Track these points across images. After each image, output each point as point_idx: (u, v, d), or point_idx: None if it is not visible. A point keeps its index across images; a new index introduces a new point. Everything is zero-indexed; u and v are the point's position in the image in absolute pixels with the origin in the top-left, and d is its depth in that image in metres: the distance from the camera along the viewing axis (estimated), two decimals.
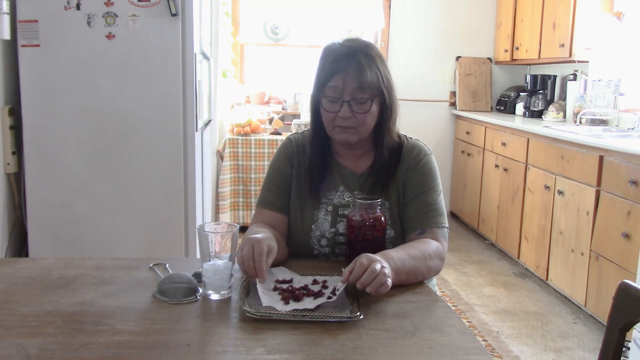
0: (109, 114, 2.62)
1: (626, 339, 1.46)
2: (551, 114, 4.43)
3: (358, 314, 1.13)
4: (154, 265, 1.42)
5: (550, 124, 4.06)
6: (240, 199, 4.63)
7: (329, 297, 1.20)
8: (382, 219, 1.44)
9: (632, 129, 3.62)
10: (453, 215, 5.31)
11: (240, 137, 4.58)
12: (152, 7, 2.56)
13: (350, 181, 1.58)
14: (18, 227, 2.68)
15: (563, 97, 4.57)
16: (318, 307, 1.16)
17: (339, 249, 1.54)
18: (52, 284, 1.29)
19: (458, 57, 5.35)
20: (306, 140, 1.63)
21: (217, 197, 4.53)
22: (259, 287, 1.22)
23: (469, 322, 3.13)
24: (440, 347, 1.05)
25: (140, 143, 2.65)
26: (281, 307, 1.16)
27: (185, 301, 1.21)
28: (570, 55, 4.02)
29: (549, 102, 4.64)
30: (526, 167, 3.88)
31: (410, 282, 1.34)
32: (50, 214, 2.65)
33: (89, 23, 2.55)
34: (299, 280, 1.32)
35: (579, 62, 4.07)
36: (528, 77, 4.82)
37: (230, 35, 4.93)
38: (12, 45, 2.56)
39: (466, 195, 5.02)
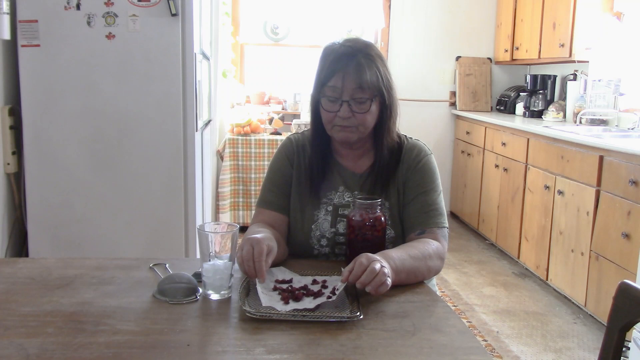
0: (109, 114, 2.62)
1: (626, 339, 1.46)
2: (551, 114, 4.43)
3: (358, 314, 1.13)
4: (154, 265, 1.42)
5: (550, 124, 4.06)
6: (240, 199, 4.63)
7: (329, 297, 1.20)
8: (382, 219, 1.44)
9: (632, 129, 3.62)
10: (453, 215, 5.31)
11: (240, 137, 4.58)
12: (152, 7, 2.56)
13: (350, 181, 1.58)
14: (18, 227, 2.68)
15: (563, 97, 4.57)
16: (318, 307, 1.16)
17: (339, 249, 1.54)
18: (52, 284, 1.29)
19: (458, 57, 5.36)
20: (306, 140, 1.63)
21: (217, 197, 4.53)
22: (259, 287, 1.22)
23: (469, 322, 3.13)
24: (440, 347, 1.05)
25: (140, 143, 2.65)
26: (281, 307, 1.16)
27: (185, 301, 1.21)
28: (570, 55, 4.02)
29: (549, 102, 4.64)
30: (526, 167, 3.88)
31: (410, 282, 1.34)
32: (50, 214, 2.65)
33: (89, 23, 2.55)
34: (299, 280, 1.32)
35: (579, 62, 4.07)
36: (528, 77, 4.83)
37: (230, 35, 4.93)
38: (12, 45, 2.56)
39: (466, 195, 5.02)
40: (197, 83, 2.73)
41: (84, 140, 2.63)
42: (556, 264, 3.45)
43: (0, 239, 2.52)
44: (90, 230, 2.67)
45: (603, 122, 3.98)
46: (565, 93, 4.48)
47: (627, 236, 2.75)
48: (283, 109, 5.27)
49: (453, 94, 5.40)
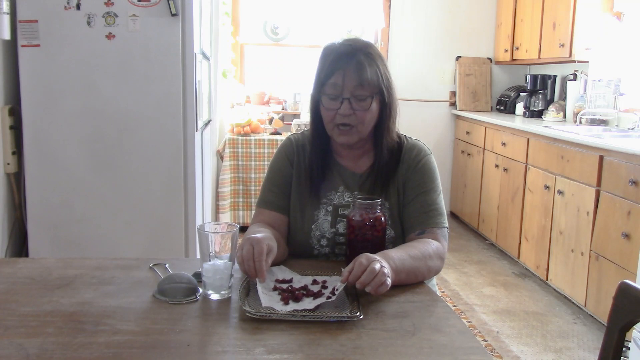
0: (109, 114, 2.62)
1: (626, 339, 1.46)
2: (551, 114, 4.43)
3: (358, 314, 1.13)
4: (154, 265, 1.42)
5: (550, 124, 4.06)
6: (240, 199, 4.63)
7: (329, 297, 1.20)
8: (382, 219, 1.44)
9: (632, 129, 3.62)
10: (453, 215, 5.31)
11: (240, 137, 4.58)
12: (152, 7, 2.56)
13: (350, 181, 1.58)
14: (18, 227, 2.68)
15: (563, 97, 4.57)
16: (318, 307, 1.16)
17: (339, 249, 1.54)
18: (52, 284, 1.29)
19: (458, 57, 5.36)
20: (306, 140, 1.63)
21: (217, 197, 4.53)
22: (259, 287, 1.22)
23: (469, 322, 3.13)
24: (440, 347, 1.05)
25: (140, 143, 2.65)
26: (281, 308, 1.16)
27: (185, 301, 1.21)
28: (570, 55, 4.02)
29: (549, 102, 4.64)
30: (526, 167, 3.88)
31: (410, 282, 1.34)
32: (50, 214, 2.65)
33: (89, 23, 2.55)
34: (299, 280, 1.32)
35: (579, 62, 4.07)
36: (528, 77, 4.83)
37: (230, 35, 4.93)
38: (12, 45, 2.56)
39: (466, 195, 5.02)
40: (197, 83, 2.73)
41: (84, 140, 2.63)
42: (556, 264, 3.45)
43: (0, 239, 2.52)
44: (90, 230, 2.68)
45: (603, 122, 3.98)
46: (565, 93, 4.48)
47: (627, 236, 2.75)
48: (283, 109, 5.27)
49: (453, 94, 5.40)
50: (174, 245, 2.73)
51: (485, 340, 2.91)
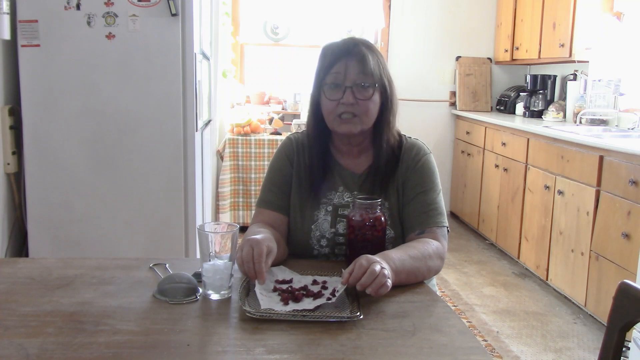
0: (109, 114, 2.62)
1: (626, 339, 1.46)
2: (551, 114, 4.43)
3: (358, 314, 1.13)
4: (154, 265, 1.42)
5: (550, 124, 4.06)
6: (240, 199, 4.63)
7: (329, 299, 1.20)
8: (382, 219, 1.44)
9: (632, 129, 3.62)
10: (453, 215, 5.31)
11: (240, 137, 4.58)
12: (152, 7, 2.56)
13: (350, 181, 1.58)
14: (18, 227, 2.68)
15: (563, 97, 4.57)
16: (317, 307, 1.16)
17: (339, 249, 1.54)
18: (52, 284, 1.29)
19: (458, 57, 5.36)
20: (306, 140, 1.63)
21: (217, 197, 4.53)
22: (258, 289, 1.22)
23: (469, 322, 3.13)
24: (440, 347, 1.05)
25: (140, 143, 2.65)
26: (280, 308, 1.16)
27: (185, 301, 1.21)
28: (570, 55, 4.02)
29: (549, 102, 4.64)
30: (526, 167, 3.88)
31: (411, 282, 1.34)
32: (50, 214, 2.65)
33: (89, 23, 2.55)
34: (299, 280, 1.32)
35: (579, 62, 4.07)
36: (528, 77, 4.83)
37: (230, 35, 4.93)
38: (12, 45, 2.56)
39: (466, 195, 5.02)
40: (197, 83, 2.73)
41: (84, 140, 2.63)
42: (556, 264, 3.45)
43: (0, 239, 2.52)
44: (90, 230, 2.67)
45: (603, 122, 3.98)
46: (565, 93, 4.48)
47: (627, 236, 2.75)
48: (283, 109, 5.27)
49: (453, 94, 5.40)
50: (174, 245, 2.73)
51: (485, 340, 2.91)
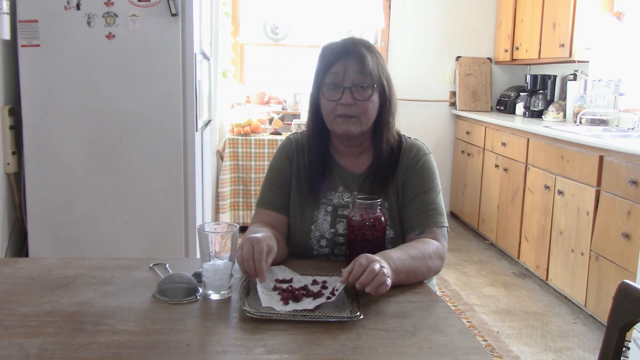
0: (109, 114, 2.62)
1: (626, 339, 1.46)
2: (551, 114, 4.43)
3: (358, 314, 1.13)
4: (154, 265, 1.42)
5: (550, 124, 4.06)
6: (240, 199, 4.63)
7: (328, 298, 1.20)
8: (382, 219, 1.44)
9: (632, 129, 3.62)
10: (453, 215, 5.31)
11: (240, 137, 4.58)
12: (152, 7, 2.56)
13: (350, 181, 1.58)
14: (18, 227, 2.68)
15: (563, 97, 4.57)
16: (317, 307, 1.16)
17: (339, 249, 1.54)
18: (52, 284, 1.29)
19: (458, 57, 5.36)
20: (306, 140, 1.63)
21: (217, 197, 4.53)
22: (259, 287, 1.22)
23: (469, 322, 3.13)
24: (440, 347, 1.05)
25: (140, 143, 2.65)
26: (280, 308, 1.16)
27: (185, 301, 1.21)
28: (570, 55, 4.02)
29: (549, 102, 4.64)
30: (526, 167, 3.88)
31: (410, 282, 1.34)
32: (50, 214, 2.65)
33: (89, 23, 2.55)
34: (299, 280, 1.32)
35: (579, 62, 4.07)
36: (528, 77, 4.83)
37: (230, 35, 4.93)
38: (12, 45, 2.56)
39: (466, 195, 5.02)
40: (197, 83, 2.73)
41: (84, 140, 2.63)
42: (556, 264, 3.45)
43: (0, 239, 2.52)
44: (90, 230, 2.68)
45: (603, 122, 3.98)
46: (565, 93, 4.48)
47: (627, 236, 2.75)
48: (283, 109, 5.27)
49: (453, 94, 5.40)
50: (174, 245, 2.73)
51: (485, 340, 2.91)
